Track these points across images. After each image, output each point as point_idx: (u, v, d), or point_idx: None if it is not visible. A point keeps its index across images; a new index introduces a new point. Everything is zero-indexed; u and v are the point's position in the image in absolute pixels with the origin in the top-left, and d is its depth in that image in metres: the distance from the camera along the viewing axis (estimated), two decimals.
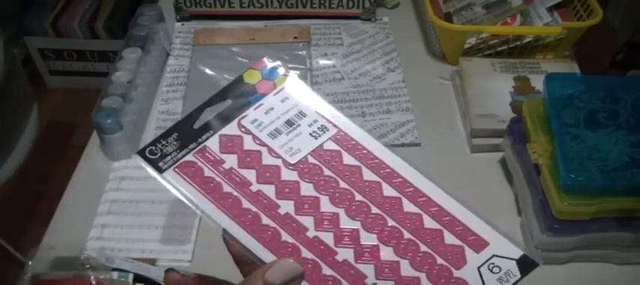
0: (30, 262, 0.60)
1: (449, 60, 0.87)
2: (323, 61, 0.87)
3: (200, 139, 0.37)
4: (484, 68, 0.80)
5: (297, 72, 0.38)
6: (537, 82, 0.77)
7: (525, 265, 0.32)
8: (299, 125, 0.37)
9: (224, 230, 0.33)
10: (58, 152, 1.60)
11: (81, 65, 1.83)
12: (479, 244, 0.33)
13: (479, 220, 0.34)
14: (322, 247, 0.33)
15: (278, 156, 0.36)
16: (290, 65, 0.83)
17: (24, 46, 1.77)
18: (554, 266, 0.62)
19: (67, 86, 1.88)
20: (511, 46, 0.84)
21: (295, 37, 0.88)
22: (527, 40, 0.83)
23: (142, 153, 0.36)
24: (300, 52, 0.86)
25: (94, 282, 0.58)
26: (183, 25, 0.94)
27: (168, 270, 0.33)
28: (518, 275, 0.32)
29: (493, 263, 0.32)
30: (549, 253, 0.61)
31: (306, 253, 0.33)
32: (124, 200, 0.69)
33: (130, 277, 0.59)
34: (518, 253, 0.32)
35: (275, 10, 0.93)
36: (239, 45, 0.87)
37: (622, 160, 0.56)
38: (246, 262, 0.32)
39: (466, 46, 0.84)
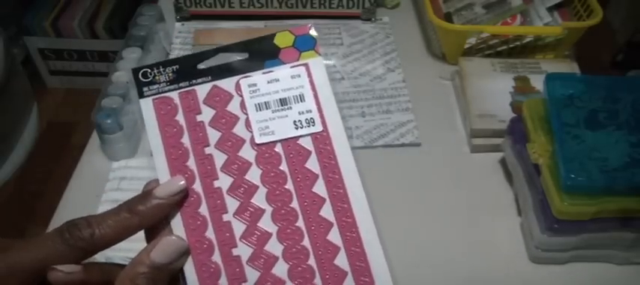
0: None
1: (449, 60, 0.87)
2: (323, 61, 0.87)
3: (194, 81, 0.34)
4: (484, 68, 0.80)
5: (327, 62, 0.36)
6: (537, 82, 0.77)
7: None
8: (290, 108, 0.34)
9: (153, 181, 0.32)
10: (58, 152, 1.60)
11: (81, 65, 1.83)
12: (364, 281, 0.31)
13: (384, 262, 0.31)
14: (227, 234, 0.31)
15: (249, 130, 0.33)
16: None
17: (24, 46, 1.77)
18: (555, 266, 0.62)
19: (67, 86, 1.88)
20: (511, 46, 0.84)
21: None
22: (528, 40, 0.83)
23: (137, 70, 0.34)
24: None
25: None
26: (183, 25, 0.94)
27: (51, 269, 0.30)
28: None
29: None
30: (549, 253, 0.61)
31: (209, 233, 0.31)
32: (124, 200, 0.69)
33: None
34: None
35: (275, 10, 0.93)
36: None
37: (622, 160, 0.56)
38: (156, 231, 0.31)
39: (466, 46, 0.84)
